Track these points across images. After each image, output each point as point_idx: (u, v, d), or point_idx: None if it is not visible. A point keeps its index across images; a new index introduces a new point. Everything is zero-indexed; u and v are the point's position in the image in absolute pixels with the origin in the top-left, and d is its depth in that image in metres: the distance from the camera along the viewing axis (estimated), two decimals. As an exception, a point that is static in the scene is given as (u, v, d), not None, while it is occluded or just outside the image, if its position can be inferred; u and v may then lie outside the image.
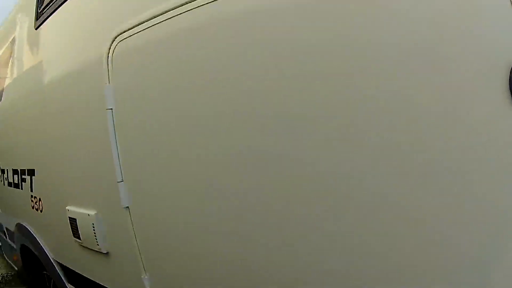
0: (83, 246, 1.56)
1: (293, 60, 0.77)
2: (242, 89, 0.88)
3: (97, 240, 1.41)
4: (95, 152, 1.31)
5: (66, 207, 1.57)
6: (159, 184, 1.14)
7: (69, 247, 1.69)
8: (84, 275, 1.65)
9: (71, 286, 1.80)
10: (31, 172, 1.90)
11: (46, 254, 1.92)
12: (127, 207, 1.22)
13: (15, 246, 2.57)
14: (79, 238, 1.53)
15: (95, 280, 1.57)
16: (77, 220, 1.50)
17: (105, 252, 1.43)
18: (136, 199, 1.20)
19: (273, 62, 0.80)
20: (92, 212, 1.41)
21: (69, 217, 1.56)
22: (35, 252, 2.06)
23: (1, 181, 2.53)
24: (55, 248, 1.88)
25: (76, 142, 1.43)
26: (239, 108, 0.89)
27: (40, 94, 1.71)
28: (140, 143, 1.14)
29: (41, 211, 1.86)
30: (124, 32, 1.11)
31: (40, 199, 1.85)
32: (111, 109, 1.16)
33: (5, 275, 3.63)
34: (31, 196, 1.93)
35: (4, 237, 2.90)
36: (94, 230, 1.40)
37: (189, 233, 1.14)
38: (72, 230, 1.57)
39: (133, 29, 1.09)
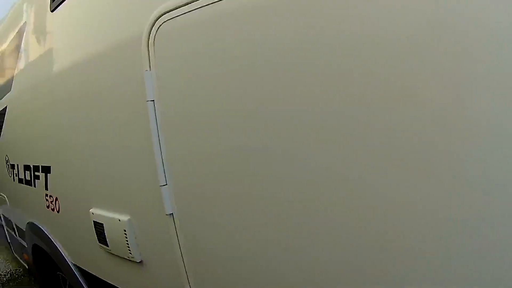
0: (111, 253, 1.40)
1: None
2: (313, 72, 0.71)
3: (130, 248, 1.26)
4: (131, 151, 1.14)
5: (90, 210, 1.41)
6: (211, 189, 0.97)
7: (92, 253, 1.53)
8: (110, 283, 1.50)
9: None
10: (46, 169, 1.73)
11: (63, 257, 1.77)
12: (171, 213, 1.06)
13: (26, 245, 2.42)
14: (106, 245, 1.37)
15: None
16: (104, 225, 1.33)
17: (139, 261, 1.27)
18: (182, 205, 1.04)
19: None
20: (124, 218, 1.25)
21: (94, 221, 1.40)
22: (50, 254, 1.90)
23: (11, 176, 2.36)
24: (75, 252, 1.72)
25: (106, 139, 1.26)
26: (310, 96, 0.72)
27: (57, 82, 1.53)
28: (188, 140, 0.97)
29: (58, 212, 1.71)
30: (170, 11, 0.93)
31: (56, 199, 1.69)
32: (153, 101, 0.99)
33: (13, 271, 3.51)
34: (46, 195, 1.77)
35: (14, 234, 2.75)
36: (126, 237, 1.25)
37: (245, 244, 0.98)
38: (97, 236, 1.41)
39: (181, 8, 0.91)
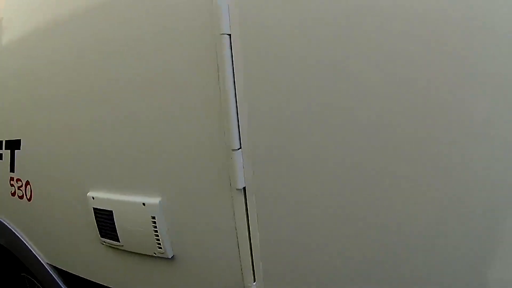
0: (120, 251, 1.05)
1: None
2: None
3: (160, 240, 0.94)
4: (173, 103, 0.83)
5: (88, 194, 1.04)
6: (298, 156, 0.72)
7: (86, 252, 1.18)
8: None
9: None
10: (13, 145, 1.28)
11: (35, 256, 1.35)
12: (243, 188, 0.77)
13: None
14: (115, 239, 1.02)
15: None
16: (114, 212, 0.99)
17: (170, 256, 0.96)
18: (258, 177, 0.76)
19: None
20: (152, 200, 0.92)
21: (94, 209, 1.03)
22: (13, 252, 1.45)
23: None
24: (53, 250, 1.32)
25: (125, 88, 0.91)
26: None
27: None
28: (276, 90, 0.70)
29: (29, 200, 1.27)
30: None
31: (28, 183, 1.26)
32: (229, 35, 0.70)
33: None
34: (11, 178, 1.32)
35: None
36: (155, 226, 0.92)
37: (334, 228, 0.76)
38: (99, 228, 1.06)
39: None
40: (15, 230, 1.41)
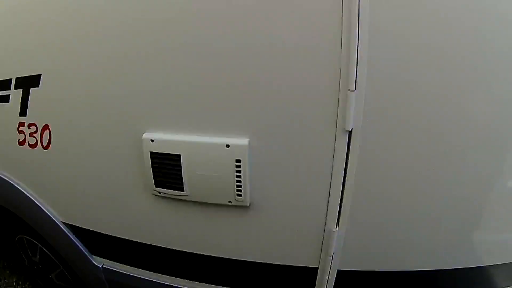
0: (183, 202, 0.95)
1: None
2: None
3: (242, 186, 0.86)
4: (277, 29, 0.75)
5: (145, 135, 0.91)
6: (412, 107, 0.72)
7: (124, 205, 1.04)
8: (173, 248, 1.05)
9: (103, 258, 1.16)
10: (27, 83, 1.07)
11: (47, 215, 1.17)
12: (350, 130, 0.76)
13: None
14: (178, 188, 0.92)
15: (197, 252, 1.02)
16: (182, 157, 0.88)
17: (248, 204, 0.90)
18: (368, 121, 0.75)
19: None
20: (238, 141, 0.84)
21: (152, 153, 0.91)
22: (18, 213, 1.24)
23: None
24: (73, 207, 1.15)
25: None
26: None
27: None
28: (400, 40, 0.68)
29: (45, 148, 1.08)
30: None
31: (46, 127, 1.06)
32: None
33: None
34: (21, 124, 1.10)
35: None
36: (239, 170, 0.85)
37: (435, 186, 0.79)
38: (155, 175, 0.94)
39: None
40: (20, 187, 1.19)
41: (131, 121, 0.95)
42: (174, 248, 1.08)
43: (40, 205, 1.19)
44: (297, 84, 0.78)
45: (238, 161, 0.85)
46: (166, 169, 0.93)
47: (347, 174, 0.83)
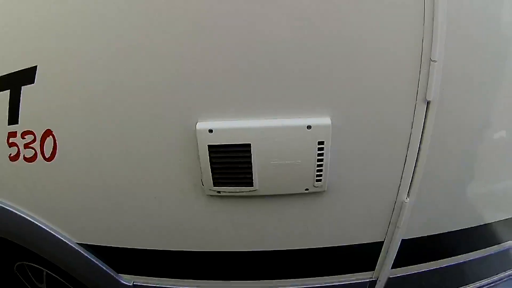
0: (247, 198, 0.85)
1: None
2: None
3: (323, 170, 0.81)
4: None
5: (199, 125, 0.77)
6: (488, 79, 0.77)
7: (164, 212, 0.89)
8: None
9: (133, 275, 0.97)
10: (19, 78, 0.78)
11: (58, 239, 0.92)
12: (428, 101, 0.76)
13: None
14: (246, 183, 0.82)
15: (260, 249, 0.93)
16: (252, 146, 0.77)
17: (325, 189, 0.85)
18: (446, 92, 0.77)
19: None
20: (321, 121, 0.77)
21: (211, 146, 0.78)
22: (18, 242, 0.95)
23: None
24: (91, 225, 0.93)
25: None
26: None
27: None
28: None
29: (48, 159, 0.83)
30: None
31: (49, 134, 0.81)
32: None
33: None
34: (11, 134, 0.81)
35: None
36: (321, 154, 0.79)
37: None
38: (214, 173, 0.81)
39: None
40: (17, 210, 0.89)
41: (177, 110, 0.78)
42: (227, 250, 0.95)
43: (46, 228, 0.91)
44: (378, 56, 0.73)
45: (320, 143, 0.78)
46: (230, 163, 0.80)
47: (422, 145, 0.83)
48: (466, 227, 1.00)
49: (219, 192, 0.84)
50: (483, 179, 0.95)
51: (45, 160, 0.83)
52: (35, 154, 0.83)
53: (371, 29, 0.72)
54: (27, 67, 0.76)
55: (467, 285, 1.28)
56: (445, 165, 0.89)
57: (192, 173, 0.84)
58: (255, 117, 0.78)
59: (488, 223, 1.01)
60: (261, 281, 1.01)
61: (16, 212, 0.89)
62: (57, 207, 0.90)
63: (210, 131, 0.78)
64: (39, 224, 0.90)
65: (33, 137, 0.81)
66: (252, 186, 0.83)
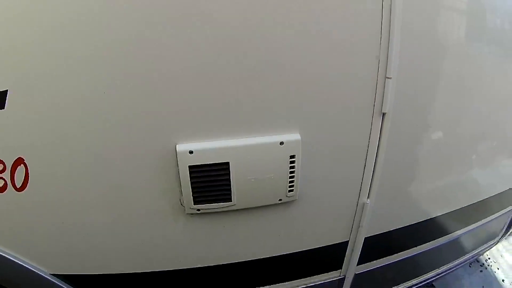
0: (224, 213, 0.91)
1: None
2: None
3: (295, 181, 0.90)
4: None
5: (179, 147, 0.83)
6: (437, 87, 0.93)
7: (144, 236, 0.93)
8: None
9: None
10: None
11: (30, 271, 0.89)
12: (384, 113, 0.90)
13: None
14: (225, 199, 0.88)
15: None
16: (230, 164, 0.85)
17: (296, 198, 0.94)
18: (398, 105, 0.91)
19: None
20: (291, 137, 0.87)
21: (191, 167, 0.84)
22: None
23: None
24: (68, 254, 0.91)
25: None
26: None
27: None
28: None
29: (18, 189, 0.81)
30: None
31: (20, 162, 0.80)
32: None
33: None
34: None
35: None
36: (293, 166, 0.88)
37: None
38: (194, 192, 0.86)
39: None
40: None
41: (156, 133, 0.81)
42: (203, 266, 0.99)
43: (18, 262, 0.86)
44: (340, 76, 0.85)
45: (292, 157, 0.86)
46: (210, 182, 0.85)
47: (379, 151, 0.96)
48: (418, 221, 1.16)
49: (198, 210, 0.88)
50: (430, 179, 1.11)
51: (16, 190, 0.80)
52: (5, 184, 0.79)
53: (334, 52, 0.83)
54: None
55: (426, 273, 1.45)
56: (399, 169, 1.03)
57: (171, 193, 0.87)
58: (232, 136, 0.84)
59: (436, 216, 1.18)
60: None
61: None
62: (28, 236, 0.86)
63: (191, 152, 0.82)
64: (7, 257, 0.85)
65: (2, 166, 0.78)
66: (231, 201, 0.88)
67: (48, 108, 0.77)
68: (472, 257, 1.61)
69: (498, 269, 1.99)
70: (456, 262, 1.55)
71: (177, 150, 0.82)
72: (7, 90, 0.74)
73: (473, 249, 1.56)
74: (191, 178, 0.84)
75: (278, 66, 0.81)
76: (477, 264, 2.03)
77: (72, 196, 0.84)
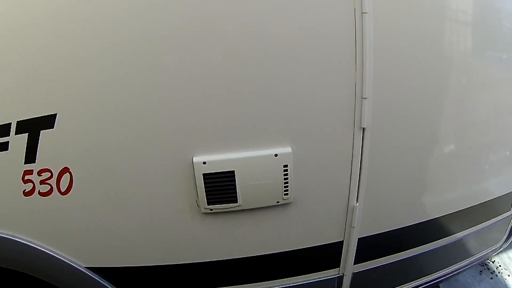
0: (232, 212, 1.10)
1: None
2: None
3: (289, 186, 1.09)
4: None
5: (196, 159, 1.04)
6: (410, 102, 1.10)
7: (168, 231, 1.14)
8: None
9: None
10: (38, 124, 1.01)
11: (67, 264, 1.11)
12: (363, 128, 1.09)
13: None
14: (232, 201, 1.08)
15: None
16: (235, 172, 1.05)
17: (292, 201, 1.12)
18: (376, 120, 1.09)
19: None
20: (284, 150, 1.06)
21: (205, 174, 1.04)
22: (26, 271, 1.12)
23: None
24: (100, 248, 1.13)
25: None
26: None
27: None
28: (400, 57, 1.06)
29: (63, 193, 1.05)
30: None
31: (66, 170, 1.04)
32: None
33: None
34: (27, 172, 1.03)
35: None
36: (286, 174, 1.07)
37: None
38: (208, 195, 1.06)
39: None
40: (26, 241, 1.07)
41: (175, 147, 1.03)
42: (215, 260, 1.18)
43: (56, 256, 1.10)
44: (323, 96, 1.05)
45: (285, 166, 1.06)
46: (220, 186, 1.06)
47: (362, 160, 1.13)
48: (411, 224, 1.30)
49: (211, 209, 1.09)
50: (412, 185, 1.26)
51: (61, 193, 1.04)
52: (51, 189, 1.03)
53: (317, 77, 1.03)
54: (47, 114, 0.97)
55: (428, 275, 1.55)
56: (383, 175, 1.19)
57: (189, 196, 1.08)
58: (236, 150, 1.05)
59: (427, 220, 1.32)
60: (241, 285, 1.24)
61: (23, 241, 1.08)
62: (68, 233, 1.10)
63: (204, 162, 1.04)
64: (46, 251, 1.08)
65: (49, 174, 1.02)
66: (237, 202, 1.08)
67: (89, 126, 1.01)
68: (473, 262, 1.69)
69: (509, 276, 2.03)
70: (457, 266, 1.64)
71: (194, 161, 1.05)
72: (56, 114, 0.99)
73: (473, 254, 1.65)
74: (204, 183, 1.06)
75: (272, 95, 1.03)
76: (488, 271, 2.07)
77: (108, 198, 1.07)
